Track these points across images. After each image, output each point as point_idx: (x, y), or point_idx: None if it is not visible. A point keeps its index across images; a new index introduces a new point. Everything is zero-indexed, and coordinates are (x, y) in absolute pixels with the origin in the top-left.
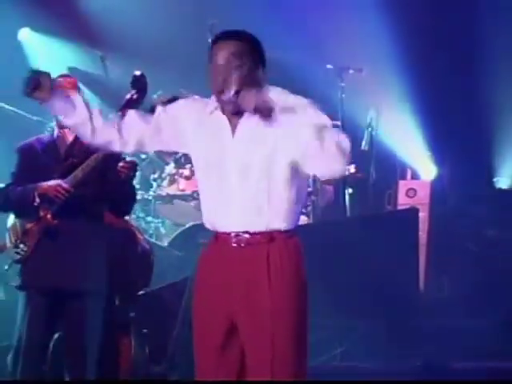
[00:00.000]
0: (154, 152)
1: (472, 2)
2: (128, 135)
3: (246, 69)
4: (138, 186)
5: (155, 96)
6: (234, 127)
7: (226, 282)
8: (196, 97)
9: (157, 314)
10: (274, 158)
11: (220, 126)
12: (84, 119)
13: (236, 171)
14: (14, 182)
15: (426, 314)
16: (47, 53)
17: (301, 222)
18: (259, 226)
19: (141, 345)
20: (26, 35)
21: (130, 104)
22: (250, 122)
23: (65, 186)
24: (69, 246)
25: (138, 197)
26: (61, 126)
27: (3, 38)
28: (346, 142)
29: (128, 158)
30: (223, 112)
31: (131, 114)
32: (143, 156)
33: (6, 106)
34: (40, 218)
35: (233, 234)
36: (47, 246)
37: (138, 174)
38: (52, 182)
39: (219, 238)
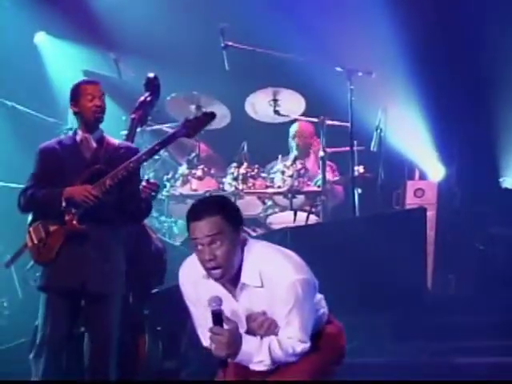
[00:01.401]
0: (167, 152)
1: (479, 4)
2: None
3: (226, 243)
4: None
5: (168, 98)
6: (230, 291)
7: None
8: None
9: (170, 312)
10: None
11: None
12: None
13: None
14: (37, 183)
15: (433, 311)
16: (62, 56)
17: (311, 222)
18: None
19: (155, 342)
20: (41, 38)
21: (144, 106)
22: (243, 301)
23: (94, 192)
24: (91, 251)
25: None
26: (84, 131)
27: (19, 41)
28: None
29: (152, 180)
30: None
31: None
32: (156, 157)
33: (19, 107)
34: (65, 222)
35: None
36: (71, 250)
37: (151, 174)
38: (80, 187)
39: None
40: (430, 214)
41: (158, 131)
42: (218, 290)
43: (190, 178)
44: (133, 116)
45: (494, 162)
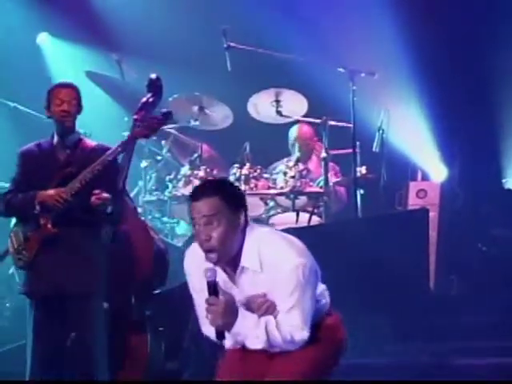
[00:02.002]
0: (169, 153)
1: (482, 5)
2: None
3: (223, 225)
4: (153, 187)
5: (170, 99)
6: (231, 277)
7: None
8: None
9: (172, 312)
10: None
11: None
12: None
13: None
14: (15, 187)
15: (435, 312)
16: (64, 56)
17: (314, 223)
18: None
19: (157, 342)
20: (44, 39)
21: (146, 107)
22: (242, 283)
23: (64, 195)
24: (68, 253)
25: (154, 198)
26: (60, 134)
27: (22, 41)
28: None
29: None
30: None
31: None
32: (159, 158)
33: (21, 108)
34: (40, 226)
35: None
36: (47, 254)
37: (154, 175)
38: (51, 191)
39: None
40: (433, 214)
41: (161, 132)
42: (219, 274)
43: (192, 178)
44: (135, 117)
45: (496, 162)
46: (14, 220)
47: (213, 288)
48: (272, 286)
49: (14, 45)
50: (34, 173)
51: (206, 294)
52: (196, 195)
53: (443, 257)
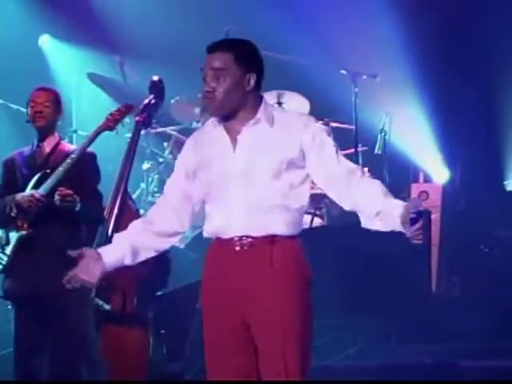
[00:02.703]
0: (171, 155)
1: (485, 7)
2: (170, 224)
3: (228, 81)
4: (156, 189)
5: (172, 101)
6: (234, 140)
7: (233, 285)
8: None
9: (174, 314)
10: (275, 168)
11: (220, 143)
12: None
13: (239, 181)
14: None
15: (437, 313)
16: (66, 58)
17: (315, 225)
18: (261, 230)
19: (159, 344)
20: (45, 41)
21: (148, 109)
22: (249, 135)
23: (37, 195)
24: (45, 254)
25: (156, 199)
26: (39, 139)
27: (24, 43)
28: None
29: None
30: (222, 126)
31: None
32: (161, 159)
33: (24, 110)
34: (18, 228)
35: (236, 239)
36: (24, 255)
37: (156, 177)
38: (26, 193)
39: (222, 243)
40: (435, 216)
41: (163, 134)
42: (222, 136)
43: None
44: (137, 119)
45: (498, 164)
46: None
47: None
48: (288, 142)
49: (16, 47)
50: (15, 179)
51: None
52: (211, 47)
53: (445, 258)
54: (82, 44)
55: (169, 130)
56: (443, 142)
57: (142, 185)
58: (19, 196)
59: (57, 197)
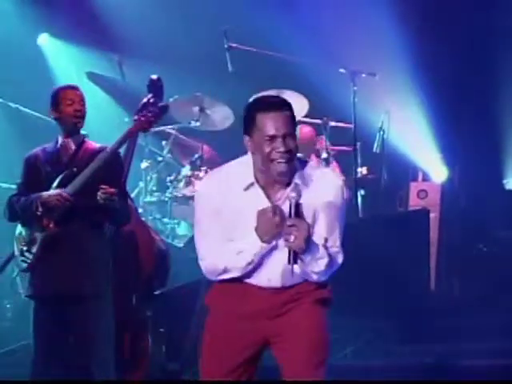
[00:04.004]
0: (170, 154)
1: (483, 6)
2: None
3: (295, 138)
4: (154, 188)
5: (171, 100)
6: (269, 199)
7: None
8: (217, 177)
9: (173, 313)
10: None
11: (257, 200)
12: None
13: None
14: (20, 192)
15: (436, 313)
16: (65, 57)
17: None
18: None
19: (158, 343)
20: (45, 40)
21: (147, 107)
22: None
23: (65, 195)
24: (71, 253)
25: (154, 198)
26: (65, 136)
27: (23, 42)
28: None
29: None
30: (259, 184)
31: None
32: (160, 158)
33: (23, 109)
34: (43, 227)
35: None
36: (51, 255)
37: (154, 176)
38: (53, 191)
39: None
40: (434, 215)
41: (161, 133)
42: (260, 199)
43: (193, 179)
44: (136, 118)
45: (497, 163)
46: (19, 225)
47: (296, 209)
48: (313, 205)
49: (15, 46)
50: (39, 177)
51: (221, 217)
52: (277, 105)
53: (444, 258)
54: (81, 43)
55: (167, 128)
56: (442, 141)
57: (141, 184)
58: (46, 194)
59: (101, 195)
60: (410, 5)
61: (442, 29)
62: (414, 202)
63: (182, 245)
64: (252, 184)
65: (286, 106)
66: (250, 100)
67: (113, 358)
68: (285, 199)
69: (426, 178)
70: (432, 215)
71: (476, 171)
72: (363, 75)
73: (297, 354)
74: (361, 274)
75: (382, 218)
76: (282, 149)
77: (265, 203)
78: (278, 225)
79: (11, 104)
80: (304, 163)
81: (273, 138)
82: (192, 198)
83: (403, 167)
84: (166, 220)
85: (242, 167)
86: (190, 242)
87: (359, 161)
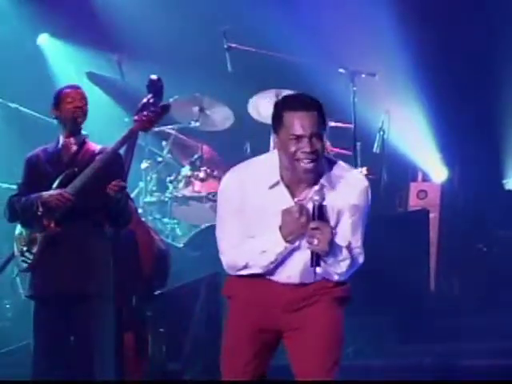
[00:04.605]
0: (170, 154)
1: (482, 7)
2: None
3: (322, 139)
4: (154, 188)
5: (171, 100)
6: (293, 198)
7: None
8: (243, 172)
9: (173, 314)
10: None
11: (282, 199)
12: None
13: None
14: (20, 192)
15: (436, 313)
16: (65, 57)
17: None
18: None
19: (158, 343)
20: (44, 40)
21: (146, 107)
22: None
23: (65, 194)
24: (72, 253)
25: (154, 199)
26: (66, 136)
27: (22, 42)
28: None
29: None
30: (284, 182)
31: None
32: (159, 159)
33: (23, 109)
34: (44, 227)
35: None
36: (51, 254)
37: (154, 176)
38: (54, 191)
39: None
40: (433, 215)
41: (161, 133)
42: (284, 198)
43: (192, 179)
44: (135, 118)
45: (497, 163)
46: (18, 225)
47: (320, 211)
48: (337, 206)
49: (15, 46)
50: (40, 177)
51: (244, 214)
52: (304, 105)
53: (444, 258)
54: (81, 43)
55: (167, 129)
56: (442, 141)
57: (141, 184)
58: (46, 194)
59: (113, 188)
60: (409, 5)
61: (442, 29)
62: (414, 203)
63: (181, 245)
64: (277, 183)
65: (315, 105)
66: (280, 97)
67: (113, 357)
68: (309, 199)
69: (425, 179)
70: (432, 215)
71: (476, 171)
72: (363, 75)
73: (311, 350)
74: (360, 274)
75: (381, 218)
76: (307, 149)
77: (289, 202)
78: (304, 225)
79: (11, 104)
80: (332, 163)
81: (299, 137)
82: (192, 198)
83: (403, 167)
84: (165, 220)
85: (268, 164)
86: (190, 242)
87: (359, 161)
